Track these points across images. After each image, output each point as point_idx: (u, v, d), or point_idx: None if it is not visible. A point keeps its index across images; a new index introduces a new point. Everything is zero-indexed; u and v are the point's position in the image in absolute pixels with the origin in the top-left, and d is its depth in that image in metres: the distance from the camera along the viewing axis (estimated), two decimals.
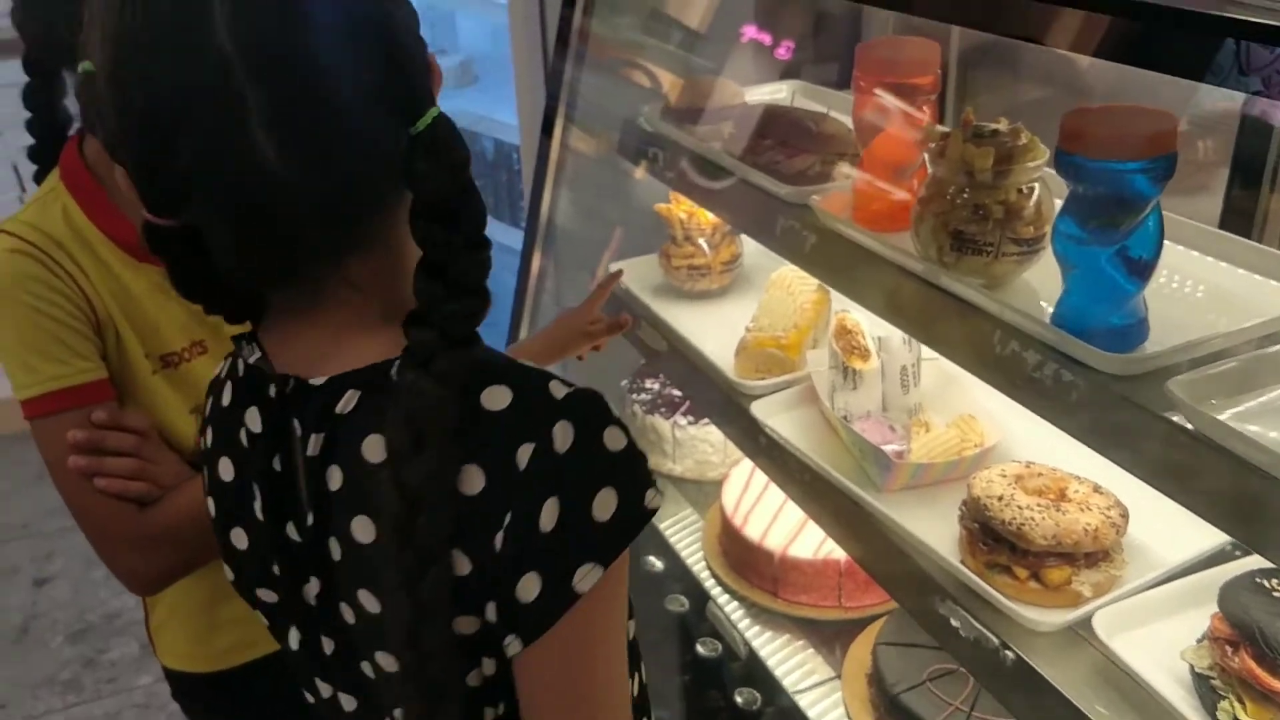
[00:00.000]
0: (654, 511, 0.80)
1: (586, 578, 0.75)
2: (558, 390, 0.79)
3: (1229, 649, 0.99)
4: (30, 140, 1.32)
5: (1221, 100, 1.43)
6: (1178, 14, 0.96)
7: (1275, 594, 1.00)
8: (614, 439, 0.78)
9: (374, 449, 0.78)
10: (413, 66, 0.77)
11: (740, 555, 1.73)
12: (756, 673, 1.57)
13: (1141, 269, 1.03)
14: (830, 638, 1.63)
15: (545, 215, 2.28)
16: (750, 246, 1.96)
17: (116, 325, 1.25)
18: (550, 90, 2.20)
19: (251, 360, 0.85)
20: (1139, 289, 1.04)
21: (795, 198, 1.44)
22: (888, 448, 1.36)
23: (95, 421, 1.19)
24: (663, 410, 2.03)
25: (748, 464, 1.88)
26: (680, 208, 1.89)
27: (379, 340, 0.80)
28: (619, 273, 1.79)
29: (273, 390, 0.83)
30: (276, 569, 0.88)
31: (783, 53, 1.98)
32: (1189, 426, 0.92)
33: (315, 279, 0.80)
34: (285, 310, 0.84)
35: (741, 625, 1.68)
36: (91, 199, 1.25)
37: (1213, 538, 1.18)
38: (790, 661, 1.61)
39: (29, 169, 1.36)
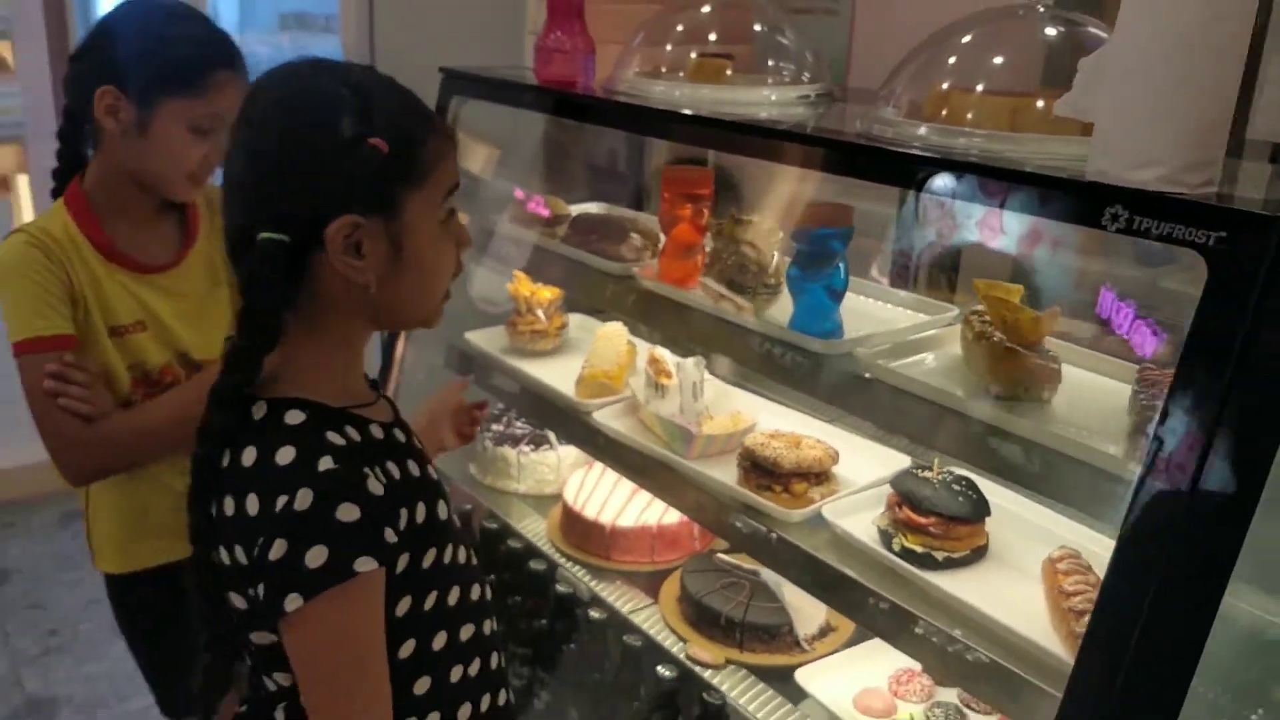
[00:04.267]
0: (360, 574, 0.99)
1: (291, 602, 0.98)
2: (323, 464, 1.01)
3: (897, 508, 1.73)
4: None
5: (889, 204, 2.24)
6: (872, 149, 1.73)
7: (921, 475, 1.75)
8: (346, 512, 0.99)
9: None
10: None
11: (580, 532, 2.36)
12: (598, 605, 2.19)
13: (838, 295, 1.80)
14: (646, 584, 2.28)
15: None
16: (572, 320, 2.65)
17: (86, 301, 1.78)
18: None
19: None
20: (837, 307, 1.80)
21: (621, 270, 2.15)
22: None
23: (64, 361, 1.71)
24: (508, 443, 2.64)
25: (578, 475, 2.52)
26: (523, 287, 2.55)
27: None
28: (465, 382, 2.06)
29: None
30: None
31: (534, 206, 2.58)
32: (868, 376, 1.68)
33: None
34: None
35: (584, 579, 2.30)
36: (83, 216, 1.80)
37: (896, 463, 1.94)
38: (622, 598, 2.24)
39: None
